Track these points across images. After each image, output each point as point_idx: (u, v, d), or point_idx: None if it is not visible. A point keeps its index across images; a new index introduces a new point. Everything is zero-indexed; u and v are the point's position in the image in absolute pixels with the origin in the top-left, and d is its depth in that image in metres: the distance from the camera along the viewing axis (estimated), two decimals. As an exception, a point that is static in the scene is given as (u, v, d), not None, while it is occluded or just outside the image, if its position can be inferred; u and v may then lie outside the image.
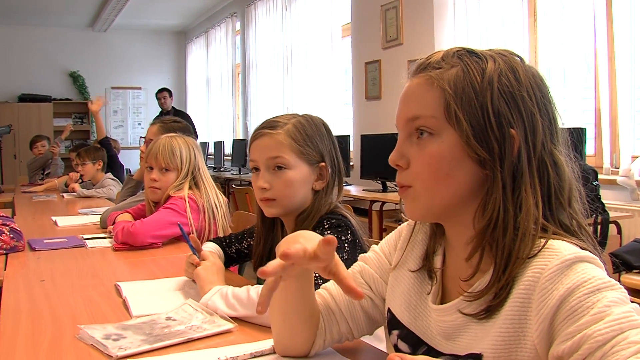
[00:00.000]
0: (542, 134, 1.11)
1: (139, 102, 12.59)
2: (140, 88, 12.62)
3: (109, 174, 5.86)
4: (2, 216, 2.81)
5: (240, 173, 8.80)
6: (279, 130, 1.95)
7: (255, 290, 1.71)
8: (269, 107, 8.94)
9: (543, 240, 1.06)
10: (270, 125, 1.98)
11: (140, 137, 8.33)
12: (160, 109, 10.16)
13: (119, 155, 7.28)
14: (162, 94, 10.18)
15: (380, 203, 5.50)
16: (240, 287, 1.78)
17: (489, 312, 1.09)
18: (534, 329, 1.01)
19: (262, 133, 1.98)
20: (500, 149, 1.09)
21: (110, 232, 3.04)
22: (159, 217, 2.85)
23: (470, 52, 1.16)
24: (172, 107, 10.20)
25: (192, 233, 2.85)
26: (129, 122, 12.50)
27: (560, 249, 1.04)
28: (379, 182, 5.87)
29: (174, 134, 3.10)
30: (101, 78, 12.26)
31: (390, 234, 1.44)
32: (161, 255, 2.70)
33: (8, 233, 2.73)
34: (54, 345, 1.56)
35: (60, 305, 1.93)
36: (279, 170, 1.94)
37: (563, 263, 1.01)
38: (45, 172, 7.71)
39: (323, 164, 1.97)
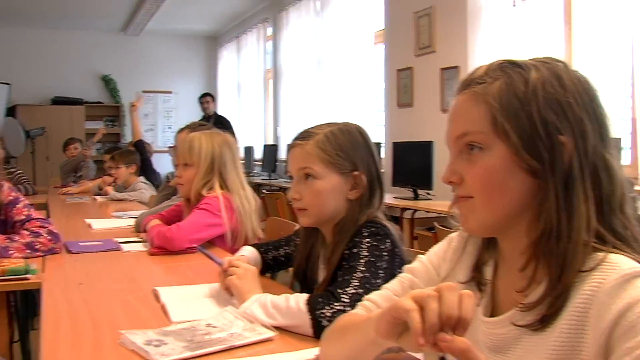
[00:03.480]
0: (592, 138, 1.10)
1: (170, 106, 12.66)
2: (171, 92, 12.69)
3: (141, 178, 5.89)
4: (40, 218, 2.83)
5: (270, 178, 8.80)
6: (309, 141, 1.95)
7: (294, 300, 1.70)
8: (300, 112, 8.94)
9: (601, 254, 1.04)
10: (302, 136, 2.00)
11: (169, 146, 8.36)
12: (203, 114, 10.19)
13: (151, 159, 7.30)
14: (205, 98, 10.23)
15: (412, 211, 5.46)
16: (275, 293, 1.78)
17: (543, 322, 1.07)
18: (590, 343, 0.99)
19: (294, 144, 2.00)
20: (550, 157, 1.08)
21: (143, 236, 3.06)
22: (194, 219, 2.84)
23: (513, 63, 1.15)
24: (214, 112, 10.25)
25: (226, 233, 2.86)
26: (159, 126, 12.57)
27: (619, 263, 1.02)
28: (411, 189, 5.84)
29: (205, 131, 3.10)
30: (132, 81, 12.32)
31: (439, 244, 1.42)
32: (196, 260, 2.70)
33: (46, 235, 2.74)
34: (95, 350, 1.57)
35: (99, 309, 1.94)
36: (309, 180, 1.94)
37: (622, 277, 0.99)
38: (77, 175, 7.77)
39: (357, 173, 1.96)
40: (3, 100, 11.00)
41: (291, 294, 1.79)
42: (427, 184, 5.46)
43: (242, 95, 11.56)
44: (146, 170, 6.41)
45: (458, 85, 1.22)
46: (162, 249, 2.78)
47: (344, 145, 1.96)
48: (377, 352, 1.18)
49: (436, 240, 3.75)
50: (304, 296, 1.71)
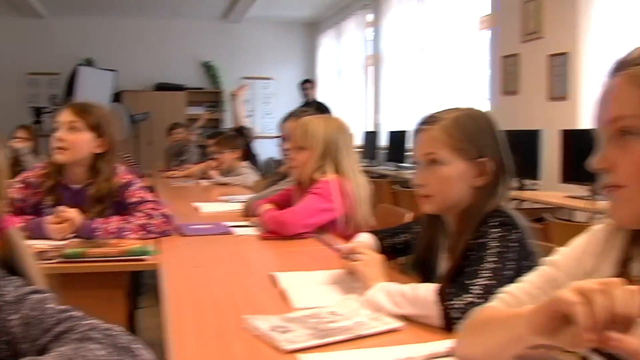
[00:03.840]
0: None
1: (269, 92, 12.70)
2: (270, 78, 12.75)
3: (245, 162, 5.92)
4: (154, 201, 2.85)
5: (370, 165, 8.72)
6: (434, 126, 1.88)
7: (423, 289, 1.64)
8: (401, 100, 8.83)
9: None
10: (428, 120, 1.92)
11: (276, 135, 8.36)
12: (303, 100, 10.21)
13: (252, 144, 7.33)
14: (306, 84, 10.25)
15: (518, 201, 5.29)
16: (397, 282, 1.72)
17: None
18: None
19: (420, 129, 1.93)
20: None
21: (253, 220, 3.04)
22: (308, 204, 2.80)
23: None
24: (314, 98, 10.25)
25: (339, 219, 2.81)
26: (258, 112, 12.64)
27: None
28: (516, 179, 5.67)
29: (320, 115, 3.07)
30: (233, 68, 12.43)
31: (581, 236, 1.32)
32: (310, 245, 2.66)
33: (160, 217, 2.76)
34: (221, 334, 1.55)
35: (219, 293, 1.92)
36: (434, 166, 1.87)
37: None
38: (181, 159, 7.88)
39: (483, 159, 1.87)
40: (110, 86, 11.30)
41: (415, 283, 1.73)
42: (532, 173, 5.28)
43: (341, 82, 11.51)
44: (247, 155, 6.44)
45: (612, 66, 1.12)
46: (275, 234, 2.76)
47: (470, 130, 1.88)
48: (519, 349, 1.11)
49: (546, 232, 3.63)
50: (433, 286, 1.64)
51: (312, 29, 13.05)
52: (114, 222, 2.70)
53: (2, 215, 1.23)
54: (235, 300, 1.84)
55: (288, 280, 1.98)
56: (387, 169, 7.92)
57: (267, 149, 10.20)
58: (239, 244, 2.73)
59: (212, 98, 12.43)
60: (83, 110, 2.88)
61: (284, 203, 3.11)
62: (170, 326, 1.59)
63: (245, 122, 6.80)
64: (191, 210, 3.80)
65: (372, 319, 1.60)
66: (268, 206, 2.99)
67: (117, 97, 11.36)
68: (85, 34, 11.96)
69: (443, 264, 1.97)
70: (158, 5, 11.36)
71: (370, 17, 10.19)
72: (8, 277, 1.22)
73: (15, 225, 1.28)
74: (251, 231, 2.95)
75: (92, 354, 1.00)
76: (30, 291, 1.17)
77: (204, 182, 5.84)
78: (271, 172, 4.03)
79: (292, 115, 3.62)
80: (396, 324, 1.57)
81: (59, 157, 2.84)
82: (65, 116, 2.86)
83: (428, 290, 1.62)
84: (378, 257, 1.91)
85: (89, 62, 11.69)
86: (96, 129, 2.86)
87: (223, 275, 2.15)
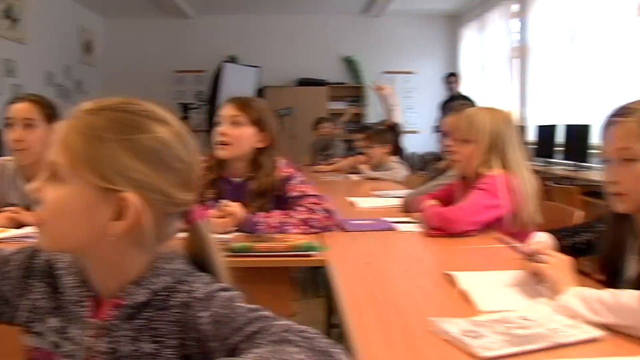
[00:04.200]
0: None
1: (410, 87, 12.53)
2: (411, 72, 12.60)
3: (395, 157, 5.85)
4: (316, 195, 2.80)
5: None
6: (630, 118, 1.72)
7: (628, 295, 1.49)
8: (549, 92, 8.48)
9: None
10: (620, 112, 1.76)
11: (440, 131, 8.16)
12: (449, 94, 10.06)
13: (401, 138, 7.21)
14: (451, 78, 10.11)
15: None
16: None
17: None
18: None
19: (611, 121, 1.77)
20: None
21: (415, 216, 2.96)
22: (474, 200, 2.68)
23: None
24: (458, 92, 10.08)
25: (505, 215, 2.68)
26: (400, 106, 12.49)
27: None
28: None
29: (487, 107, 2.94)
30: (374, 62, 12.39)
31: None
32: (481, 243, 2.53)
33: (322, 212, 2.72)
34: (408, 337, 1.47)
35: (396, 292, 1.85)
36: (629, 162, 1.71)
37: None
38: (326, 153, 7.90)
39: None
40: (254, 82, 11.51)
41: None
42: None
43: (485, 75, 11.21)
44: (397, 150, 6.35)
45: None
46: (440, 231, 2.65)
47: None
48: None
49: None
50: (637, 293, 1.49)
51: (454, 22, 12.79)
52: (276, 216, 2.68)
53: (192, 206, 1.20)
54: (415, 301, 1.76)
55: (467, 280, 1.87)
56: (538, 164, 7.55)
57: (409, 144, 10.08)
58: (405, 240, 2.64)
59: (354, 93, 12.42)
60: (245, 105, 2.88)
61: (446, 199, 3.00)
62: (352, 327, 1.53)
63: (397, 117, 6.70)
64: (346, 205, 3.75)
65: (568, 326, 1.47)
66: (431, 202, 2.89)
67: (260, 92, 11.55)
68: (229, 32, 12.28)
69: (632, 266, 1.82)
70: (299, 2, 11.47)
71: (515, 7, 9.86)
72: (197, 273, 1.20)
73: (205, 216, 1.24)
74: (414, 227, 2.85)
75: (290, 358, 0.95)
76: (219, 288, 1.14)
77: (354, 177, 5.81)
78: (421, 167, 3.90)
79: (451, 110, 3.50)
80: (596, 332, 1.44)
81: (222, 153, 2.86)
82: (228, 110, 2.87)
83: (632, 298, 1.47)
84: (567, 260, 1.77)
85: (232, 59, 11.97)
86: (258, 123, 2.86)
87: (396, 273, 2.07)
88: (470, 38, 12.10)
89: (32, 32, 9.53)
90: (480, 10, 11.33)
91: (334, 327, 3.86)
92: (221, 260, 1.26)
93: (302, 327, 1.03)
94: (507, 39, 10.11)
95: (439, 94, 11.00)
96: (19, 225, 2.86)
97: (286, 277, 2.36)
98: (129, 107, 1.14)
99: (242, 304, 1.10)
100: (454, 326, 1.46)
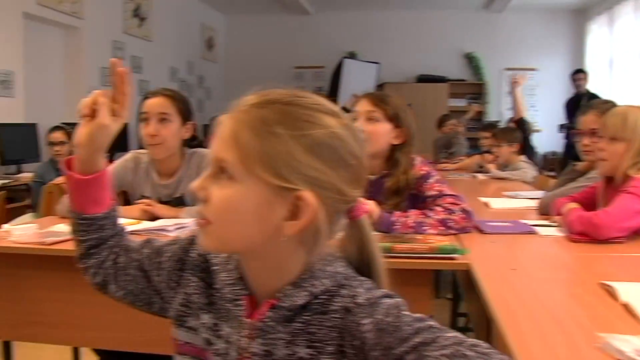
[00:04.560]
0: None
1: (532, 84, 12.11)
2: (534, 69, 12.22)
3: (523, 157, 5.65)
4: (453, 195, 2.70)
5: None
6: None
7: None
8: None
9: None
10: None
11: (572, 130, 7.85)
12: (576, 91, 9.71)
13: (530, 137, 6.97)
14: (579, 75, 9.74)
15: None
16: None
17: None
18: None
19: None
20: None
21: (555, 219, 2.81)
22: (623, 205, 2.49)
23: None
24: (586, 89, 9.71)
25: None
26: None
27: None
28: None
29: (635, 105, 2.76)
30: (495, 59, 12.12)
31: None
32: (629, 251, 2.35)
33: (460, 213, 2.61)
34: (574, 353, 1.35)
35: (551, 302, 1.73)
36: None
37: None
38: (449, 151, 7.76)
39: None
40: (373, 78, 11.47)
41: None
42: None
43: (613, 72, 10.73)
44: (526, 149, 6.14)
45: None
46: (584, 236, 2.50)
47: None
48: None
49: None
50: None
51: (579, 16, 12.33)
52: (413, 216, 2.58)
53: (357, 202, 1.13)
54: (574, 313, 1.63)
55: (629, 292, 1.73)
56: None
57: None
58: (548, 245, 2.49)
59: (474, 90, 12.21)
60: (381, 100, 2.80)
61: (587, 202, 2.84)
62: (510, 338, 1.42)
63: (526, 114, 6.48)
64: (480, 205, 3.62)
65: None
66: (573, 205, 2.73)
67: (379, 89, 11.50)
68: (348, 28, 12.32)
69: None
70: (421, -1, 11.40)
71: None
72: (358, 277, 1.13)
73: (365, 212, 1.17)
74: (556, 231, 2.70)
75: None
76: (382, 295, 1.07)
77: (480, 176, 5.65)
78: (544, 166, 3.70)
79: (594, 109, 3.31)
80: None
81: None
82: (363, 106, 2.80)
83: None
84: None
85: (352, 56, 11.98)
86: (394, 119, 2.78)
87: (546, 281, 1.94)
88: (598, 33, 11.61)
89: (157, 29, 9.83)
90: (608, 4, 10.87)
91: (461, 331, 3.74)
92: (382, 262, 1.19)
93: (473, 341, 0.94)
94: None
95: (563, 92, 10.63)
96: (152, 217, 2.90)
97: (426, 280, 2.26)
98: (299, 100, 1.07)
99: (408, 313, 1.02)
100: (627, 344, 1.33)
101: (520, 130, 5.90)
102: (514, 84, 6.36)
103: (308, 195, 1.02)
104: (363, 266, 1.17)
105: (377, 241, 1.18)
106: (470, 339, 0.94)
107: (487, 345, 0.93)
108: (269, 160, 1.01)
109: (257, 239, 1.06)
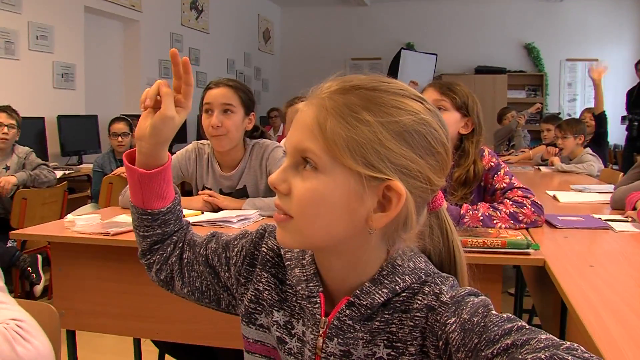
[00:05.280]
0: None
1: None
2: (596, 59, 11.92)
3: (588, 149, 5.49)
4: (523, 187, 2.61)
5: None
6: None
7: None
8: None
9: None
10: None
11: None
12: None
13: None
14: (644, 64, 9.49)
15: None
16: None
17: None
18: None
19: None
20: None
21: (629, 214, 2.70)
22: None
23: None
24: None
25: None
26: (582, 96, 11.91)
27: None
28: None
29: None
30: (556, 49, 11.87)
31: None
32: None
33: (529, 206, 2.52)
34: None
35: (634, 299, 1.64)
36: None
37: None
38: (511, 144, 7.61)
39: None
40: (431, 69, 11.34)
41: None
42: None
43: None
44: (601, 143, 5.96)
45: None
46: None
47: None
48: None
49: None
50: None
51: (644, 5, 12.00)
52: (482, 208, 2.51)
53: (437, 193, 1.07)
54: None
55: None
56: None
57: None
58: (624, 241, 2.38)
59: (534, 81, 11.98)
60: (449, 89, 2.73)
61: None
62: (595, 336, 1.35)
63: (602, 107, 6.24)
64: (548, 199, 3.51)
65: None
66: (643, 199, 2.63)
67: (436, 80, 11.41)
68: (405, 19, 12.22)
69: None
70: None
71: None
72: (440, 274, 1.06)
73: (443, 203, 1.11)
74: (631, 226, 2.59)
75: None
76: (467, 292, 1.00)
77: (544, 169, 5.50)
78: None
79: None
80: None
81: None
82: (431, 95, 2.73)
83: None
84: None
85: (409, 47, 11.87)
86: (462, 108, 2.70)
87: (627, 279, 1.85)
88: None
89: (214, 22, 9.88)
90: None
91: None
92: (463, 257, 1.13)
93: (567, 344, 0.86)
94: None
95: (627, 83, 10.35)
96: (214, 209, 2.87)
97: (497, 275, 2.19)
98: (384, 86, 1.01)
99: (495, 312, 0.95)
100: None
101: (598, 124, 5.74)
102: (594, 74, 6.14)
103: (398, 186, 0.96)
104: (444, 261, 1.11)
105: (456, 232, 1.12)
106: (566, 342, 0.87)
107: (583, 349, 0.85)
108: (357, 148, 0.95)
109: (342, 234, 1.00)
